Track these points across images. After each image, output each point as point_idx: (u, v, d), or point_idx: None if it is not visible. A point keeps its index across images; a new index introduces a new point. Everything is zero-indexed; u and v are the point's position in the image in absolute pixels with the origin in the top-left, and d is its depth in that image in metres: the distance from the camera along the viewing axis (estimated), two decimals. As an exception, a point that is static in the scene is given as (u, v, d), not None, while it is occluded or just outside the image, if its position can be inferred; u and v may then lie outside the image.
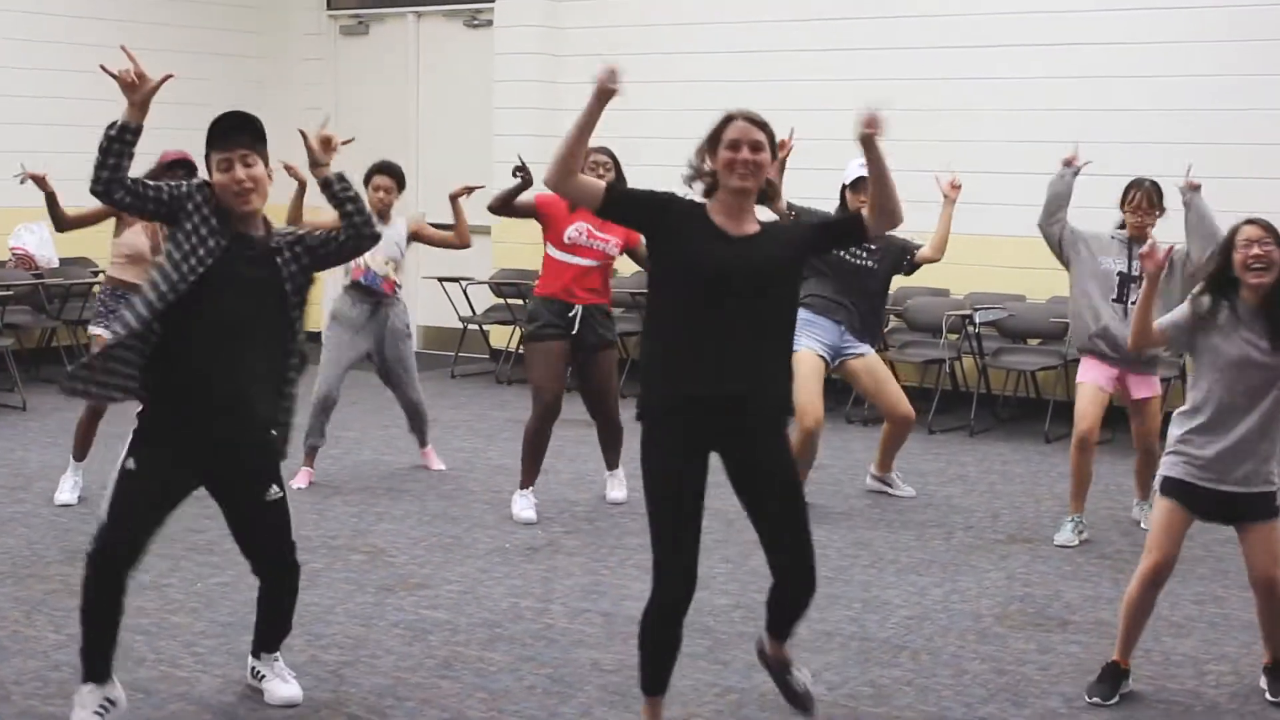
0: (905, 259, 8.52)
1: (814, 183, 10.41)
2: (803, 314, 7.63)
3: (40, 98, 13.00)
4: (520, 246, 13.32)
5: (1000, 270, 11.51)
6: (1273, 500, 5.45)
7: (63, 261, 12.50)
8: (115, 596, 4.97)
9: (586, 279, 8.14)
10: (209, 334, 4.92)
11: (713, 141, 4.93)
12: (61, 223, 8.31)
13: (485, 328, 13.54)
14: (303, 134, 5.27)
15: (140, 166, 5.20)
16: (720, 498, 6.68)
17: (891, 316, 11.49)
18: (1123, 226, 7.97)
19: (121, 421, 5.31)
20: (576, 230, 8.05)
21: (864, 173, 6.51)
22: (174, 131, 8.36)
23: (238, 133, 5.01)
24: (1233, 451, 5.36)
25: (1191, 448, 5.42)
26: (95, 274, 12.73)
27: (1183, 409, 5.52)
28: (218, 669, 5.71)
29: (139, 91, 5.02)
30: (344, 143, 5.32)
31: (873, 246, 8.27)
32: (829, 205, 8.27)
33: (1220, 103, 10.81)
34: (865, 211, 4.96)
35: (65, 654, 5.82)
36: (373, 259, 8.71)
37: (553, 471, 9.22)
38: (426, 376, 12.92)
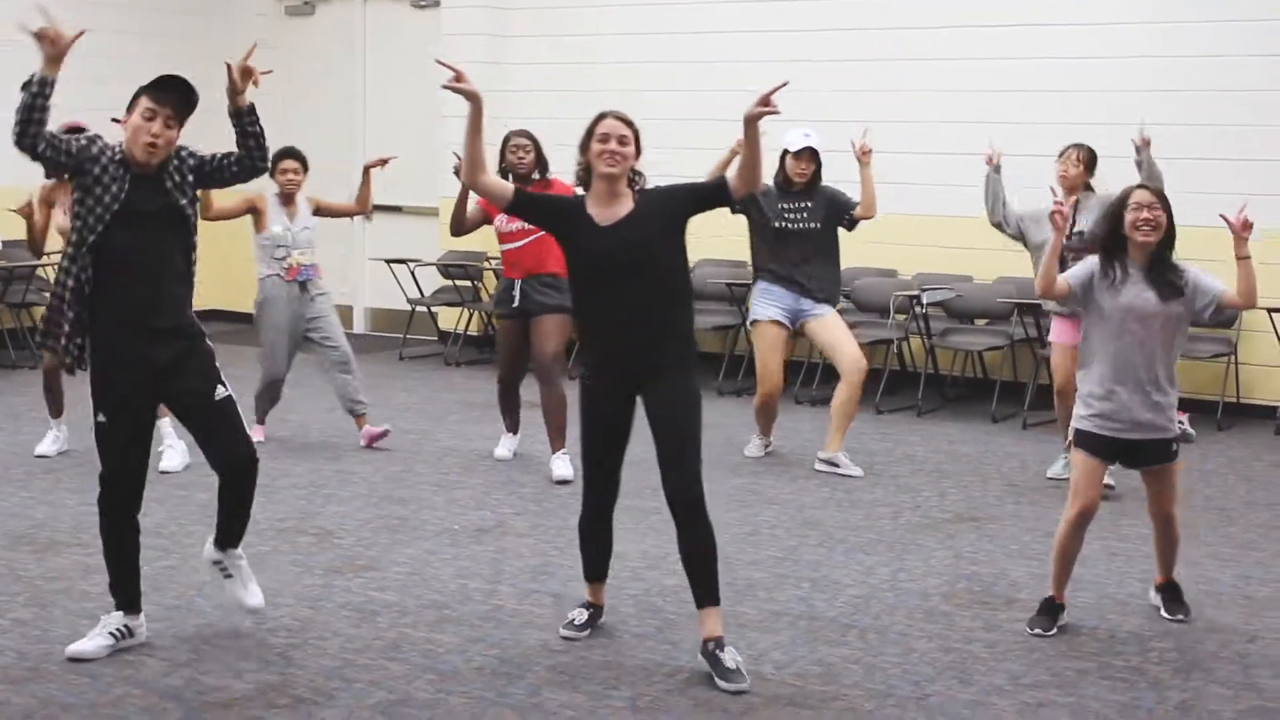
0: (845, 215, 9.05)
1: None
2: (761, 283, 9.08)
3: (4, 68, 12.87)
4: (468, 228, 13.30)
5: (947, 251, 11.56)
6: (1170, 445, 6.06)
7: (4, 244, 12.41)
8: (128, 536, 5.66)
9: (522, 256, 8.70)
10: (127, 267, 5.42)
11: (587, 137, 5.70)
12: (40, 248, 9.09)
13: (434, 310, 13.50)
14: (227, 64, 5.61)
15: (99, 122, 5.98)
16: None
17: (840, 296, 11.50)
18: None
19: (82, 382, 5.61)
20: (501, 219, 8.67)
21: (808, 143, 8.48)
22: (119, 109, 8.23)
23: (171, 93, 5.43)
24: (1132, 401, 5.90)
25: (1095, 400, 5.94)
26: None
27: (1084, 366, 6.01)
28: (164, 652, 5.67)
29: (56, 48, 5.35)
30: (263, 73, 5.70)
31: (809, 205, 8.93)
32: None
33: (1193, 83, 10.88)
34: (733, 177, 5.69)
35: (9, 639, 5.79)
36: (301, 255, 9.29)
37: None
38: (375, 359, 12.94)
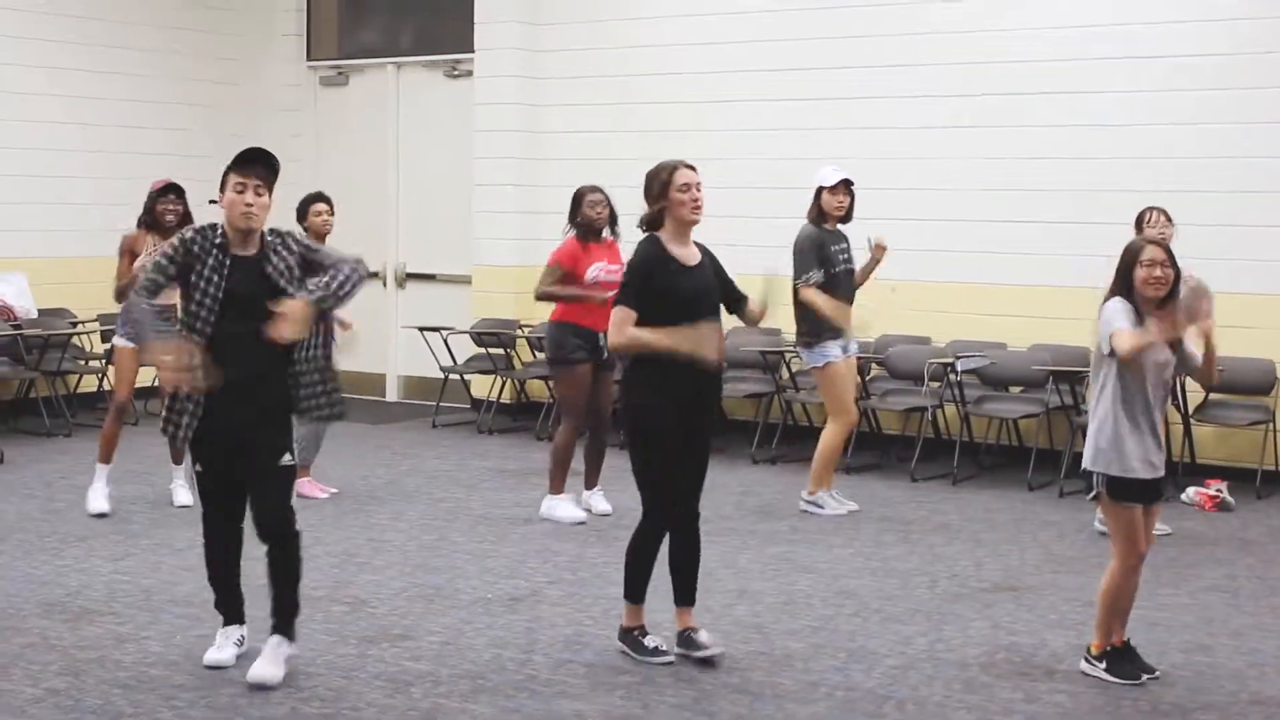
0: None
1: (787, 228, 10.45)
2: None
3: (25, 150, 12.98)
4: (501, 296, 13.32)
5: (981, 318, 11.51)
6: (1162, 484, 6.36)
7: (41, 312, 12.49)
8: (230, 562, 6.29)
9: (606, 309, 8.67)
10: (225, 342, 5.91)
11: (664, 186, 6.44)
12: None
13: (466, 377, 13.50)
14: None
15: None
16: (705, 554, 6.61)
17: (873, 364, 11.49)
18: None
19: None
20: (595, 270, 9.16)
21: (843, 176, 9.22)
22: (162, 172, 9.66)
23: (256, 164, 6.01)
24: (1148, 444, 6.19)
25: (1119, 447, 6.17)
26: (74, 324, 12.70)
27: (1101, 417, 6.22)
28: (197, 723, 5.65)
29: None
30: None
31: (846, 245, 9.50)
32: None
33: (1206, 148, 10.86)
34: (752, 310, 6.67)
35: (43, 709, 5.76)
36: None
37: (534, 522, 9.20)
38: (408, 426, 12.94)
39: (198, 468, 6.21)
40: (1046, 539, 8.95)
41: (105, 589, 7.47)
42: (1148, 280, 6.11)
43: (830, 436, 9.56)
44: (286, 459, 6.09)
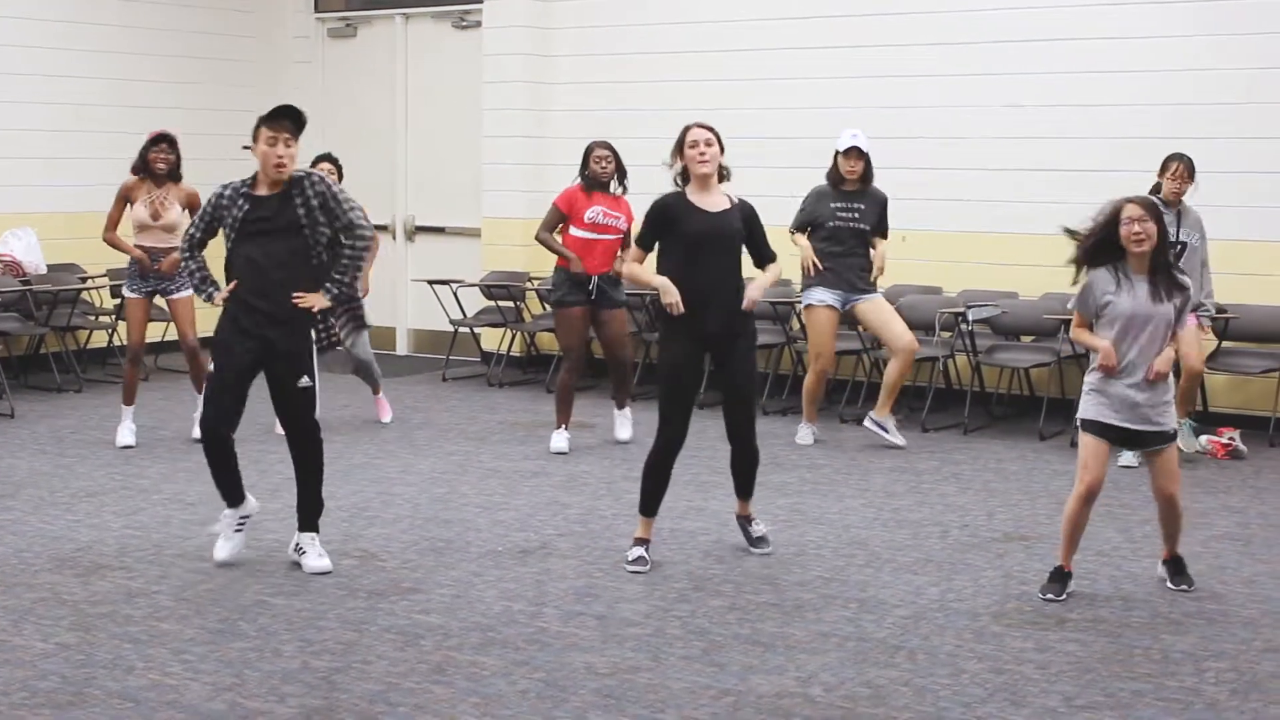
0: (882, 231, 10.15)
1: (800, 178, 10.40)
2: (815, 278, 10.05)
3: (37, 104, 12.95)
4: (510, 249, 13.28)
5: (993, 267, 11.47)
6: (1169, 429, 6.65)
7: (50, 268, 12.46)
8: (225, 449, 6.98)
9: (605, 253, 9.78)
10: (251, 265, 6.83)
11: (679, 145, 7.17)
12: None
13: (476, 330, 13.48)
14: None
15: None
16: (717, 498, 6.62)
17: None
18: (1157, 190, 9.36)
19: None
20: (594, 211, 9.76)
21: (855, 142, 9.79)
22: (171, 126, 10.16)
23: (285, 119, 6.81)
24: (1134, 391, 6.53)
25: (1100, 391, 6.59)
26: (83, 279, 12.68)
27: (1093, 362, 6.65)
28: (207, 676, 5.64)
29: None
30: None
31: (862, 207, 9.99)
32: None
33: (1207, 97, 10.77)
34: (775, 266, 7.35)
35: (53, 663, 5.76)
36: None
37: (544, 474, 9.19)
38: (418, 380, 12.93)
39: (211, 366, 7.01)
40: (1058, 489, 8.92)
41: (116, 544, 7.48)
42: (1129, 237, 6.45)
43: (806, 379, 10.32)
44: (304, 381, 6.92)
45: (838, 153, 9.97)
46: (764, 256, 7.32)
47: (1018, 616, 6.45)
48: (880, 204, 10.08)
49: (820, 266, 9.98)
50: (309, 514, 7.09)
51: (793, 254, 9.79)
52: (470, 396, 12.27)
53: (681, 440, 7.11)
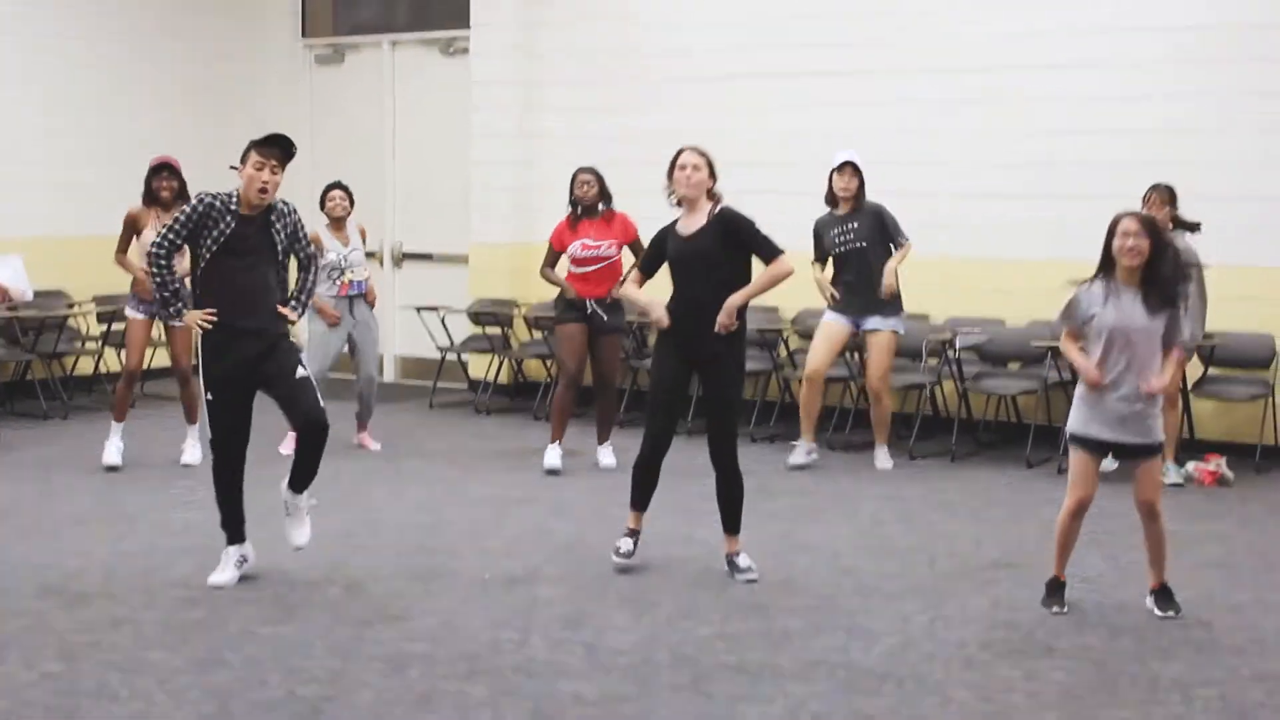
0: (891, 241, 10.27)
1: (793, 205, 10.43)
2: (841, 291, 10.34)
3: (22, 130, 12.93)
4: (497, 275, 13.27)
5: (980, 294, 11.47)
6: (1154, 446, 6.80)
7: (37, 294, 12.41)
8: (234, 482, 7.22)
9: (595, 280, 10.00)
10: (237, 285, 7.02)
11: (671, 168, 7.39)
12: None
13: (464, 357, 13.47)
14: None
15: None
16: (705, 526, 6.61)
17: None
18: None
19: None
20: (574, 246, 10.01)
21: (849, 158, 10.17)
22: (158, 151, 10.38)
23: (275, 147, 7.06)
24: (1123, 405, 6.66)
25: (1089, 403, 6.73)
26: (70, 306, 12.65)
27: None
28: (192, 705, 5.62)
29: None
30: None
31: (855, 225, 10.17)
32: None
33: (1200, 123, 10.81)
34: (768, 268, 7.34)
35: (38, 692, 5.73)
36: (353, 274, 10.66)
37: (532, 501, 9.18)
38: (405, 407, 12.91)
39: (209, 396, 7.13)
40: (1046, 516, 8.88)
41: (102, 571, 7.45)
42: (1121, 250, 6.61)
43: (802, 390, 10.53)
44: (300, 371, 7.09)
45: (832, 172, 10.18)
46: (764, 257, 7.36)
47: (1006, 645, 6.45)
48: (874, 215, 10.22)
49: (836, 296, 10.24)
50: (302, 478, 7.22)
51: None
52: (458, 424, 12.25)
53: (664, 439, 7.42)
